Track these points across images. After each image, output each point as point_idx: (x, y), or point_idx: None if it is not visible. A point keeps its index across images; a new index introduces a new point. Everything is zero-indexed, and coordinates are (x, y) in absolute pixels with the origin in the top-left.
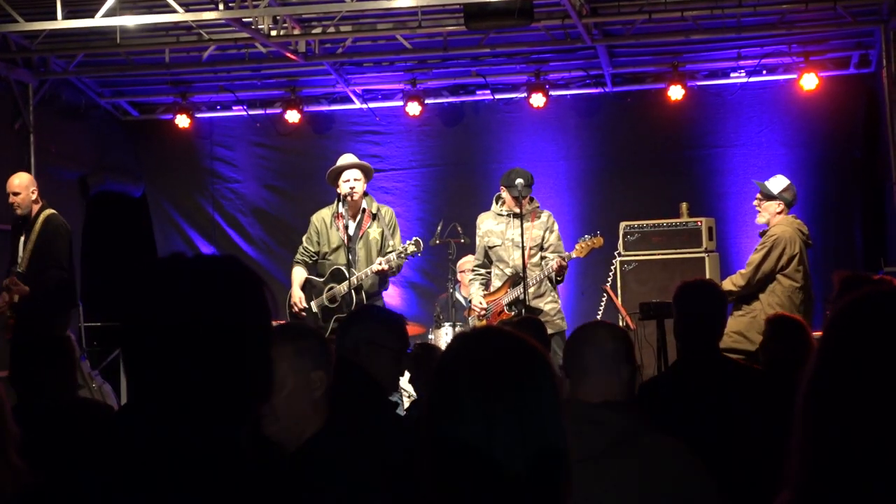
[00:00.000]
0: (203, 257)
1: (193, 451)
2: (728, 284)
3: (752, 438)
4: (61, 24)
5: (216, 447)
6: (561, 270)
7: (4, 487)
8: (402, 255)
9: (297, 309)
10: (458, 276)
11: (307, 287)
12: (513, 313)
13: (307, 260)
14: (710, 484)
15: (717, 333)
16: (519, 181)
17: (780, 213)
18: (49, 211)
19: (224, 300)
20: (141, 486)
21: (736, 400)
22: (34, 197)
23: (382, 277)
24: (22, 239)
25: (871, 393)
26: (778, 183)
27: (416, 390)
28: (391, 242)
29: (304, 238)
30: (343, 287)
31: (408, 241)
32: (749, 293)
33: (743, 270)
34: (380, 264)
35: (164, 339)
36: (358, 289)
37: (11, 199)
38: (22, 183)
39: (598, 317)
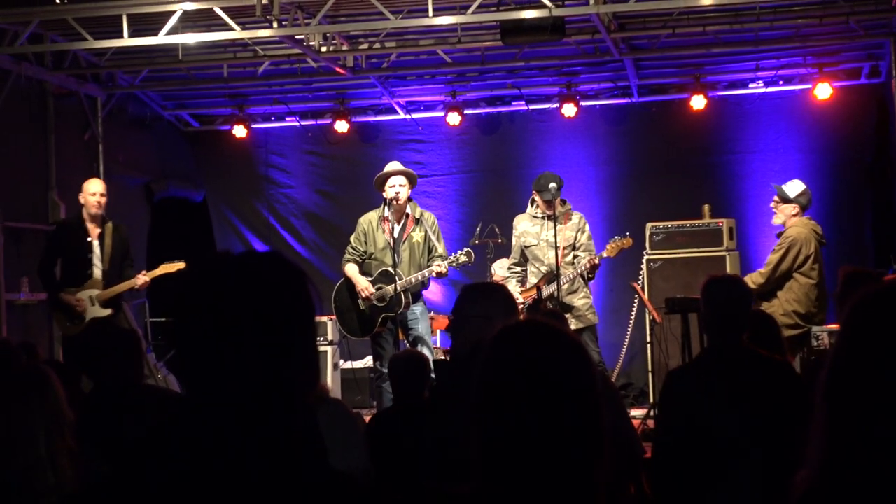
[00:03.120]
0: (249, 253)
1: (251, 442)
2: (748, 282)
3: (777, 427)
4: (127, 41)
5: (273, 437)
6: (593, 269)
7: (64, 469)
8: (455, 264)
9: (367, 294)
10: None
11: (353, 287)
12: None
13: (357, 259)
14: None
15: (742, 325)
16: (552, 185)
17: (795, 214)
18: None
19: (269, 291)
20: (202, 477)
21: (761, 389)
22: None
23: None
24: (94, 241)
25: (887, 378)
26: (794, 187)
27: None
28: (437, 246)
29: (352, 238)
30: (391, 288)
31: (460, 252)
32: (768, 290)
33: (762, 269)
34: (438, 268)
35: (214, 331)
36: (405, 289)
37: (99, 198)
38: (105, 186)
39: (632, 312)
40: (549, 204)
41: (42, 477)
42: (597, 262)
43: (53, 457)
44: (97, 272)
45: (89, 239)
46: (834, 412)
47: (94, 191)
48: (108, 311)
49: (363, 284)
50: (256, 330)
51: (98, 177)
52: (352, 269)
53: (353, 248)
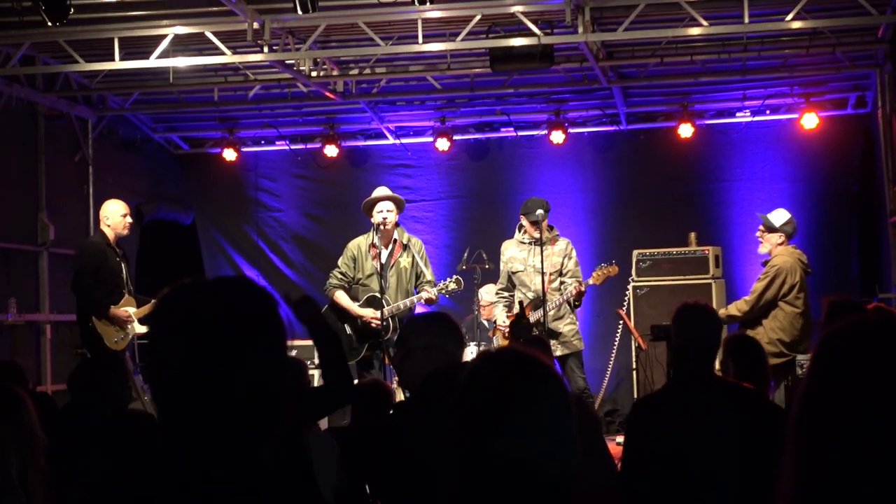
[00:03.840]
0: (219, 279)
1: (218, 466)
2: (733, 310)
3: (747, 456)
4: (119, 64)
5: (243, 460)
6: (579, 296)
7: (37, 495)
8: (444, 292)
9: (375, 324)
10: (479, 309)
11: (342, 311)
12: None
13: (344, 285)
14: None
15: (712, 354)
16: (539, 211)
17: (781, 244)
18: None
19: (237, 316)
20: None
21: (731, 418)
22: None
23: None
24: (121, 262)
25: (853, 415)
26: (780, 216)
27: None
28: (425, 272)
29: (339, 262)
30: (379, 314)
31: (449, 279)
32: (752, 318)
33: (747, 297)
34: (428, 293)
35: (184, 355)
36: (393, 315)
37: (128, 220)
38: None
39: (616, 339)
40: (536, 226)
41: (14, 502)
42: (583, 289)
43: (25, 482)
44: (127, 291)
45: (117, 259)
46: (804, 445)
47: (124, 212)
48: (145, 329)
49: (368, 314)
50: (226, 353)
51: (88, 198)
52: (344, 298)
53: (341, 273)
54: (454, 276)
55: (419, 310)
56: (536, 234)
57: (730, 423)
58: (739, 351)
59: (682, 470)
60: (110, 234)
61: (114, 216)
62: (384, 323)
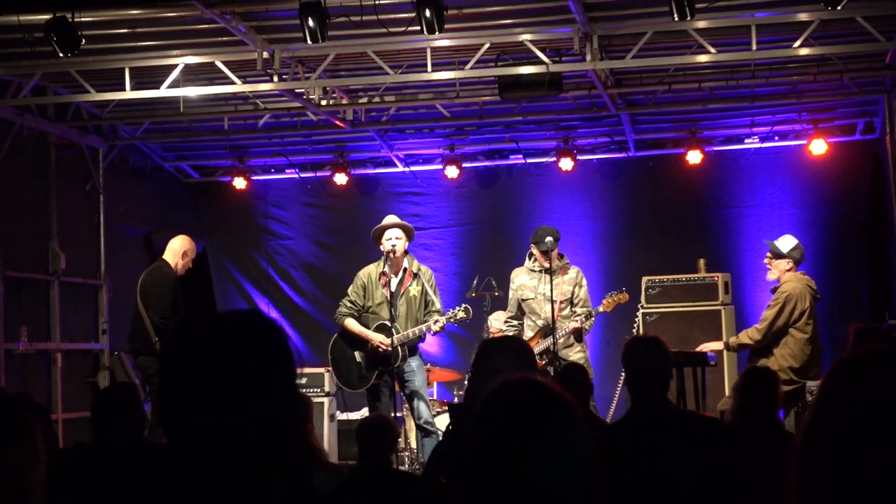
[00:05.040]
0: (230, 313)
1: (228, 500)
2: (745, 338)
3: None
4: (129, 94)
5: (252, 494)
6: (579, 333)
7: None
8: (453, 320)
9: (384, 349)
10: (490, 335)
11: (352, 339)
12: (544, 362)
13: (354, 313)
14: None
15: (664, 384)
16: (549, 239)
17: (789, 269)
18: None
19: (249, 352)
20: None
21: (687, 445)
22: None
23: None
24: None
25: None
26: (787, 242)
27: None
28: (434, 301)
29: (350, 291)
30: (388, 341)
31: (458, 308)
32: (764, 346)
33: (758, 325)
34: (437, 324)
35: (194, 388)
36: (402, 343)
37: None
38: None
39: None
40: (546, 255)
41: None
42: (586, 327)
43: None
44: None
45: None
46: (807, 473)
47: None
48: None
49: (377, 339)
50: (237, 389)
51: (99, 227)
52: (355, 324)
53: (351, 301)
54: (463, 305)
55: (428, 339)
56: (547, 264)
57: (687, 450)
58: (753, 382)
59: (642, 496)
60: (179, 269)
61: (191, 254)
62: (395, 351)
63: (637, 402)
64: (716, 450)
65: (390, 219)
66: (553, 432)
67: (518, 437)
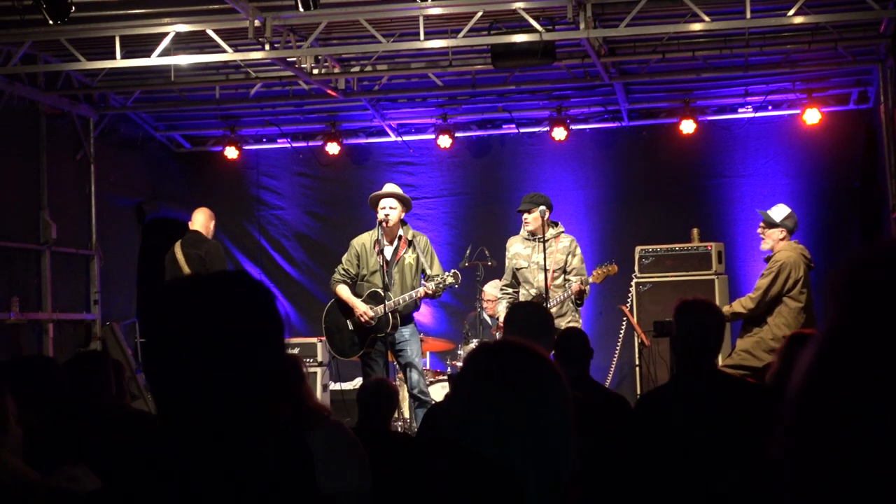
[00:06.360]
0: (215, 274)
1: (221, 465)
2: (738, 307)
3: (753, 449)
4: (120, 63)
5: (242, 456)
6: (581, 294)
7: (6, 483)
8: (441, 286)
9: (366, 318)
10: (484, 303)
11: (345, 307)
12: None
13: (347, 280)
14: None
15: (714, 349)
16: (541, 208)
17: (782, 239)
18: None
19: (236, 312)
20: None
21: (735, 412)
22: None
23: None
24: None
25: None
26: (780, 211)
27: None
28: (432, 266)
29: (343, 259)
30: (380, 309)
31: (447, 273)
32: (757, 314)
33: (752, 294)
34: (425, 289)
35: (181, 351)
36: (394, 311)
37: None
38: None
39: (619, 335)
40: (534, 222)
41: None
42: (586, 287)
43: None
44: None
45: None
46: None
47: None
48: None
49: (362, 308)
50: (223, 348)
51: (90, 197)
52: (345, 291)
53: (344, 269)
54: (451, 271)
55: (422, 308)
56: (530, 228)
57: (733, 416)
58: (799, 350)
59: (688, 462)
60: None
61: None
62: (385, 318)
63: (684, 367)
64: (766, 417)
65: (388, 187)
66: (528, 387)
67: (493, 391)
